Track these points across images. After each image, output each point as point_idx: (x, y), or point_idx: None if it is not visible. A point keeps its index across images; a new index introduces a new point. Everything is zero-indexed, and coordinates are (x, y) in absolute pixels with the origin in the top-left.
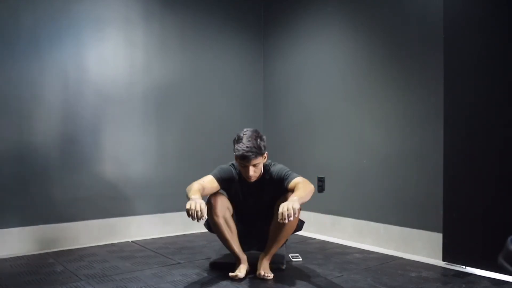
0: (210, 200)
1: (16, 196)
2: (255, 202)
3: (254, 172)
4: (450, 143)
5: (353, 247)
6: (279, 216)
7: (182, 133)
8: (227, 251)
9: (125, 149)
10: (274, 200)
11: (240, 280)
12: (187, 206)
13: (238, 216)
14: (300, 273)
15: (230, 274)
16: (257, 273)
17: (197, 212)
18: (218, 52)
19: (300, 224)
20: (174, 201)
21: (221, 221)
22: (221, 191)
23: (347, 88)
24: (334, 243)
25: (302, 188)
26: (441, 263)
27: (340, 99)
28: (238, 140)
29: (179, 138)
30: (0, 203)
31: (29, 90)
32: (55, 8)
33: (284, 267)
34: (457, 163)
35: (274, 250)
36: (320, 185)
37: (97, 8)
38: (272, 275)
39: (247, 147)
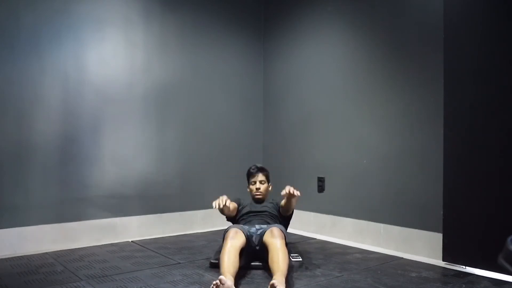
0: (229, 234)
1: (16, 196)
2: (259, 215)
3: (260, 187)
4: (450, 143)
5: (353, 247)
6: (286, 190)
7: (182, 133)
8: None
9: (125, 149)
10: (272, 217)
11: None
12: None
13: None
14: (300, 273)
15: (214, 282)
16: (270, 283)
17: (219, 200)
18: (218, 52)
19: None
20: (174, 201)
21: (232, 250)
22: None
23: (347, 88)
24: (334, 243)
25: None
26: (441, 263)
27: (340, 99)
28: (250, 167)
29: (179, 138)
30: (1, 203)
31: (29, 90)
32: (55, 8)
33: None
34: (457, 163)
35: (282, 268)
36: (320, 185)
37: (97, 8)
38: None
39: (256, 166)
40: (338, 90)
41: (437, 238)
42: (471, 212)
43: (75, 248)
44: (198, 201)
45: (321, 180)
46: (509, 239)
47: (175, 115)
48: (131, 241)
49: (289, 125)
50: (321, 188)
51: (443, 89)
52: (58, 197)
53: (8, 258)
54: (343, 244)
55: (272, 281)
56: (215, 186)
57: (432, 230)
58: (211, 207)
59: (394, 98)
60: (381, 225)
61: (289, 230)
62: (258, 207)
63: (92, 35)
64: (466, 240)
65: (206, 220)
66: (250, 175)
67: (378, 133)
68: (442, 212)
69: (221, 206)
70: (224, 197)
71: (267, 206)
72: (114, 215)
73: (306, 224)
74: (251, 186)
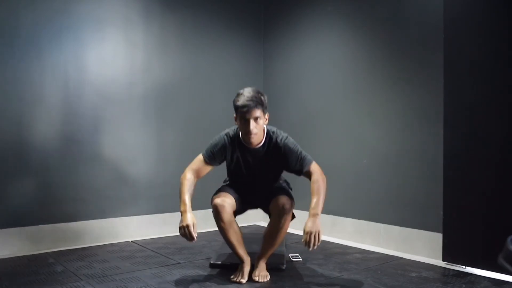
0: (215, 204)
1: (16, 196)
2: (258, 170)
3: (255, 127)
4: (450, 143)
5: (353, 247)
6: (305, 243)
7: (182, 133)
8: (227, 251)
9: (125, 149)
10: (277, 171)
11: (242, 283)
12: (179, 228)
13: (238, 185)
14: (300, 273)
15: (233, 278)
16: (253, 275)
17: (187, 235)
18: (218, 52)
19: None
20: (174, 201)
21: (227, 226)
22: (227, 189)
23: (347, 87)
24: (334, 243)
25: (322, 190)
26: (441, 263)
27: (340, 98)
28: (238, 94)
29: (179, 138)
30: (0, 203)
31: (29, 90)
32: (55, 8)
33: (284, 267)
34: (457, 163)
35: (270, 252)
36: None
37: (97, 8)
38: (268, 276)
39: (248, 97)
40: (338, 90)
41: (437, 238)
42: (471, 212)
43: (75, 248)
44: (198, 201)
45: None
46: (509, 239)
47: (175, 115)
48: (131, 241)
49: (289, 125)
50: None
51: (443, 89)
52: (58, 197)
53: (8, 258)
54: (343, 244)
55: (253, 275)
56: (215, 186)
57: (432, 230)
58: (211, 207)
59: (394, 98)
60: (381, 225)
61: (289, 230)
62: (254, 167)
63: (92, 35)
64: (466, 240)
65: (206, 220)
66: (240, 111)
67: (378, 133)
68: (442, 212)
69: (195, 238)
70: (188, 228)
71: (270, 165)
72: (114, 215)
73: None
74: (241, 123)
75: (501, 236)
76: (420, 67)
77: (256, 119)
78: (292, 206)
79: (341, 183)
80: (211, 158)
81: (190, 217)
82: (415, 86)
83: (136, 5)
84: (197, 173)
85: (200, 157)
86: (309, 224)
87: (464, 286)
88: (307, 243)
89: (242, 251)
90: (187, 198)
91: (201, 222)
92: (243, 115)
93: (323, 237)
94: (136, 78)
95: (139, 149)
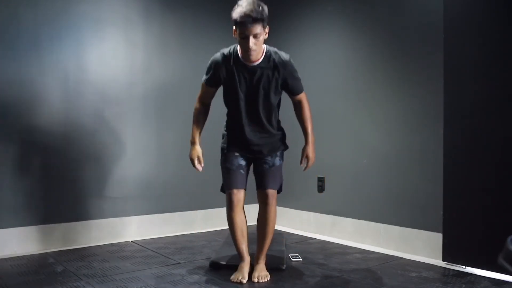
0: (231, 202)
1: (16, 196)
2: (255, 89)
3: (254, 44)
4: (450, 143)
5: (353, 247)
6: (305, 166)
7: (182, 133)
8: (227, 251)
9: (125, 149)
10: (276, 91)
11: (243, 284)
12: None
13: (237, 120)
14: (300, 273)
15: (233, 279)
16: (252, 277)
17: (196, 166)
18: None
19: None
20: (174, 201)
21: (238, 221)
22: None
23: (347, 88)
24: (334, 243)
25: (310, 120)
26: (441, 263)
27: (340, 99)
28: (237, 6)
29: (179, 138)
30: (1, 203)
31: (29, 90)
32: (55, 8)
33: (284, 267)
34: (457, 163)
35: (266, 246)
36: (320, 185)
37: (97, 8)
38: (269, 276)
39: (247, 10)
40: (338, 90)
41: (437, 238)
42: (471, 212)
43: (75, 248)
44: (198, 201)
45: (321, 180)
46: (509, 239)
47: (175, 115)
48: (131, 241)
49: (289, 125)
50: (321, 188)
51: (443, 89)
52: (58, 197)
53: (8, 258)
54: (343, 244)
55: (253, 277)
56: (215, 186)
57: (432, 230)
58: (211, 207)
59: (394, 98)
60: (381, 225)
61: (289, 230)
62: (252, 85)
63: (92, 35)
64: (466, 240)
65: (206, 220)
66: (238, 27)
67: (378, 133)
68: (442, 212)
69: (199, 170)
70: (194, 161)
71: (266, 84)
72: (114, 215)
73: (306, 224)
74: (240, 39)
75: (501, 236)
76: (420, 67)
77: (255, 35)
78: (280, 188)
79: (341, 183)
80: (209, 79)
81: (195, 151)
82: (415, 86)
83: (136, 5)
84: (204, 100)
85: (202, 82)
86: (312, 152)
87: (464, 286)
88: (306, 166)
89: (244, 248)
90: (194, 130)
91: (201, 222)
92: (242, 31)
93: (323, 238)
94: (136, 78)
95: (139, 149)
